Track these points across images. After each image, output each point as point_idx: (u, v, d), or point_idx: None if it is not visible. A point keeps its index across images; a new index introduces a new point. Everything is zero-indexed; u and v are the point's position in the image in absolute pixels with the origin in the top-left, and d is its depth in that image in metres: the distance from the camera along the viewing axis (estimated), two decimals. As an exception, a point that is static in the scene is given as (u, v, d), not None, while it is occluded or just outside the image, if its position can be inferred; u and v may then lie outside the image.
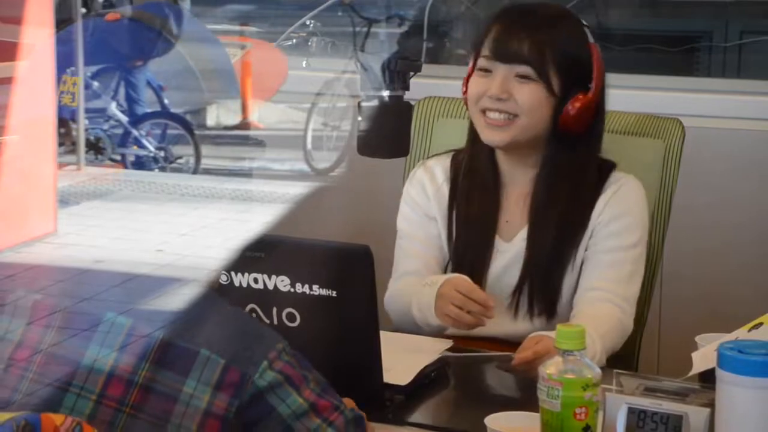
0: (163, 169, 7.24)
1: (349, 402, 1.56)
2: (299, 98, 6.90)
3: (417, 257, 2.32)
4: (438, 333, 2.18)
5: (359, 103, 2.12)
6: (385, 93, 2.10)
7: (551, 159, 2.26)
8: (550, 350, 1.77)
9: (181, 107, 7.73)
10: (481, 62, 2.25)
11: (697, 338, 1.98)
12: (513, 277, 2.27)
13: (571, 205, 2.25)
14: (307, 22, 7.32)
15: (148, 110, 7.49)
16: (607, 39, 4.10)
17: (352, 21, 6.02)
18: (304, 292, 1.82)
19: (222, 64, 7.81)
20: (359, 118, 2.13)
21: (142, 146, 7.27)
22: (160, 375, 1.41)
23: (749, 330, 1.85)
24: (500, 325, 2.22)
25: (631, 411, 1.63)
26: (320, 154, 6.81)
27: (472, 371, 2.13)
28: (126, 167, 7.31)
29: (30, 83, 5.61)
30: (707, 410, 1.61)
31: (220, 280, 1.85)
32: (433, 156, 2.42)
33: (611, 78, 2.30)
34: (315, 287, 1.81)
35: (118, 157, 7.34)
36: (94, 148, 7.27)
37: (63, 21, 6.82)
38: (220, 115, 8.16)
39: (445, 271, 2.30)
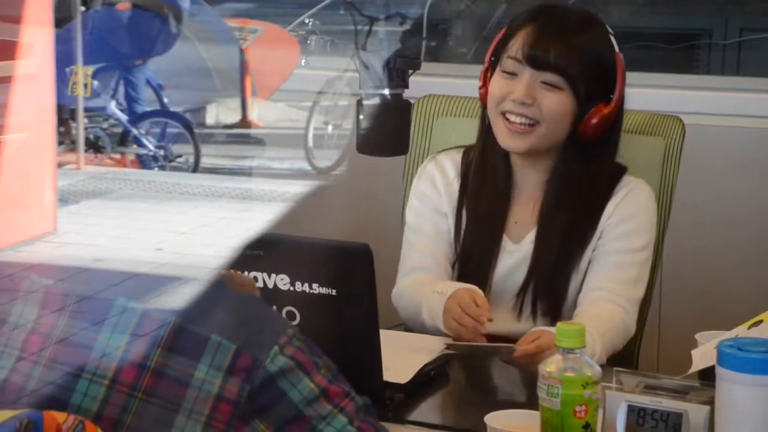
0: (162, 167, 7.24)
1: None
2: (299, 96, 6.90)
3: (425, 252, 2.30)
4: (446, 335, 2.17)
5: (359, 102, 2.12)
6: (385, 91, 2.09)
7: (565, 164, 2.24)
8: (552, 346, 1.77)
9: (181, 106, 7.72)
10: (508, 64, 2.20)
11: (697, 336, 1.98)
12: (519, 277, 2.26)
13: (581, 211, 2.24)
14: (306, 21, 7.32)
15: (148, 109, 7.48)
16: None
17: (354, 19, 6.01)
18: (303, 291, 1.82)
19: (232, 62, 7.79)
20: (359, 116, 2.12)
21: (141, 145, 7.27)
22: (171, 360, 1.41)
23: (749, 327, 1.85)
24: (503, 324, 2.22)
25: (631, 409, 1.63)
26: (321, 152, 6.80)
27: (472, 369, 2.13)
28: (125, 166, 7.31)
29: (29, 82, 5.61)
30: (707, 408, 1.61)
31: (220, 279, 1.85)
32: (442, 151, 2.39)
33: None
34: (315, 286, 1.81)
35: (118, 156, 7.34)
36: (94, 146, 7.26)
37: (63, 19, 6.82)
38: (219, 113, 8.16)
39: (453, 267, 2.29)
